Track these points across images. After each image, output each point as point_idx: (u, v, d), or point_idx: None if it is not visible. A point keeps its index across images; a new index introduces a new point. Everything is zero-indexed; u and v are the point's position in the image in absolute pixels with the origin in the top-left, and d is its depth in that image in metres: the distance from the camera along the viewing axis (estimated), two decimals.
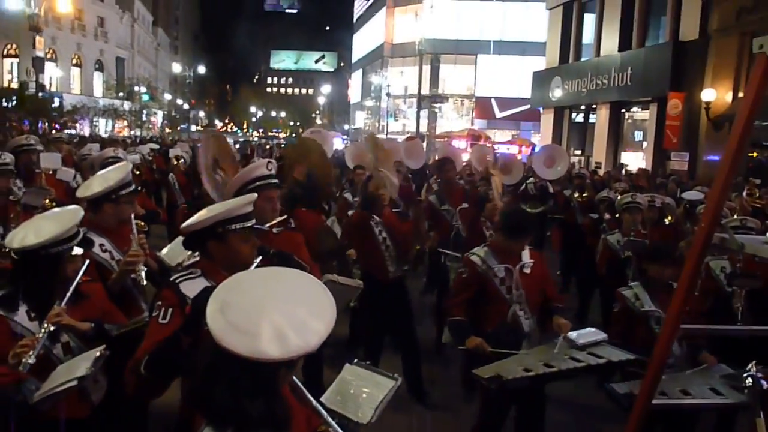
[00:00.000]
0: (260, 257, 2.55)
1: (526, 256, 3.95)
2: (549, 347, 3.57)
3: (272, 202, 3.39)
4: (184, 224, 2.49)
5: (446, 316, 3.99)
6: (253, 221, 2.53)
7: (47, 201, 5.61)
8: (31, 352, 2.44)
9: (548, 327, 3.88)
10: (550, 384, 5.21)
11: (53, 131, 27.10)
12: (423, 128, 39.09)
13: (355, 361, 2.37)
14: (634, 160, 20.93)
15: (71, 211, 2.79)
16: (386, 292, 5.04)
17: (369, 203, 4.99)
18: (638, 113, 22.16)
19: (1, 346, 2.50)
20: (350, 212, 6.07)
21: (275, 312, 1.56)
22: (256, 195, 2.70)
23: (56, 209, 2.95)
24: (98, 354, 2.40)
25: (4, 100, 30.66)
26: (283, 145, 24.71)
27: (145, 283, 3.15)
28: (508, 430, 3.96)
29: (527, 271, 3.91)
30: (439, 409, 5.06)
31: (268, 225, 3.15)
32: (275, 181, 3.45)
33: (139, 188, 7.60)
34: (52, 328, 2.55)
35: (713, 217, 2.31)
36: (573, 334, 3.53)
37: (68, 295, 2.64)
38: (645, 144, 20.89)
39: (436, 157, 11.67)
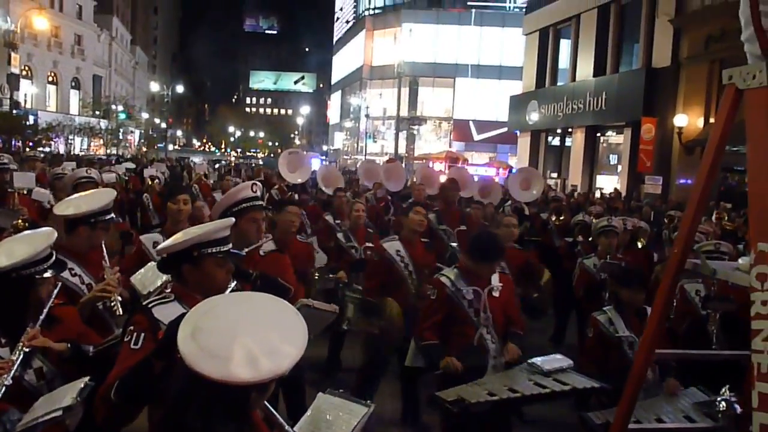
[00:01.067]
0: (234, 282, 2.52)
1: (495, 279, 3.94)
2: (515, 372, 3.57)
3: (257, 223, 3.37)
4: (160, 246, 2.46)
5: (418, 340, 3.95)
6: (230, 246, 2.50)
7: (19, 221, 5.51)
8: (7, 375, 2.38)
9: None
10: (526, 405, 5.24)
11: (27, 149, 26.71)
12: (402, 150, 39.34)
13: (328, 389, 2.35)
14: (609, 183, 21.26)
15: (44, 233, 2.74)
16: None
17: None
18: (613, 137, 22.58)
19: None
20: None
21: (247, 336, 1.57)
22: (233, 219, 2.68)
23: (28, 231, 2.89)
24: (83, 385, 2.33)
25: None
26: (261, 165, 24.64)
27: (120, 313, 3.07)
28: None
29: (496, 294, 3.89)
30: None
31: (246, 250, 3.12)
32: (260, 203, 3.44)
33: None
34: (27, 350, 2.49)
35: (686, 243, 2.35)
36: (539, 360, 3.53)
37: (42, 317, 2.58)
38: (620, 167, 21.26)
39: (415, 179, 11.79)
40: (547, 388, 3.31)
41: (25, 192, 6.38)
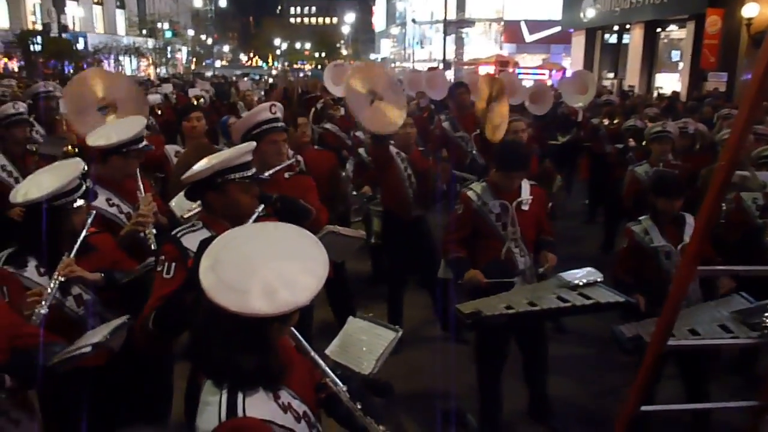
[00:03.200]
0: (262, 205, 2.52)
1: (525, 192, 3.84)
2: (542, 285, 3.54)
3: (277, 145, 3.32)
4: (185, 175, 2.46)
5: (444, 254, 3.93)
6: (253, 170, 2.48)
7: (69, 148, 5.65)
8: (43, 302, 2.49)
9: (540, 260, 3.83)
10: (570, 319, 5.23)
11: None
12: (450, 55, 38.05)
13: (358, 314, 2.37)
14: (670, 82, 20.14)
15: (71, 164, 2.80)
16: (408, 230, 5.02)
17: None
18: (674, 32, 21.11)
19: (17, 303, 2.55)
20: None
21: (265, 268, 1.57)
22: (254, 144, 2.64)
23: (57, 163, 2.95)
24: (120, 323, 2.43)
25: (29, 42, 30.61)
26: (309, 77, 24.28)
27: (155, 247, 3.12)
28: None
29: (525, 208, 3.80)
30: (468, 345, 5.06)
31: (268, 173, 3.09)
32: (280, 124, 3.37)
33: (158, 129, 7.66)
34: (62, 279, 2.59)
35: (735, 151, 2.17)
36: (568, 274, 3.46)
37: (76, 246, 2.67)
38: (681, 65, 20.01)
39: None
40: (569, 302, 3.26)
41: None
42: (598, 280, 3.41)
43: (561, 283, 3.41)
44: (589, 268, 3.51)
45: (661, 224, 3.77)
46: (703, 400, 3.66)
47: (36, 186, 2.62)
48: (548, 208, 4.77)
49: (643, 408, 2.56)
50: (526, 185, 3.87)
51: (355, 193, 5.78)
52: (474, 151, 6.36)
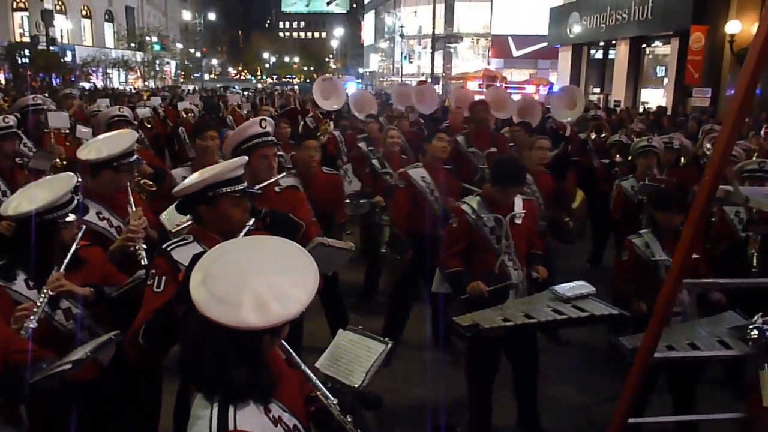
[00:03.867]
0: (253, 219, 2.53)
1: (518, 206, 3.89)
2: (535, 298, 3.56)
3: (267, 159, 3.34)
4: (176, 189, 2.47)
5: (442, 268, 3.96)
6: (244, 184, 2.49)
7: (57, 161, 5.62)
8: (32, 317, 2.47)
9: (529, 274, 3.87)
10: (565, 329, 5.25)
11: (66, 86, 27.02)
12: (438, 69, 38.29)
13: (348, 326, 2.38)
14: (655, 98, 20.41)
15: (64, 177, 2.79)
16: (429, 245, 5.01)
17: None
18: (659, 48, 21.43)
19: (5, 317, 2.53)
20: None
21: (256, 281, 1.59)
22: (246, 158, 2.66)
23: (49, 176, 2.95)
24: (106, 339, 2.42)
25: (17, 55, 30.49)
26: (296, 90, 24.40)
27: (145, 262, 3.11)
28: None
29: (518, 221, 3.85)
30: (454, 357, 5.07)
31: (258, 187, 3.10)
32: (270, 138, 3.39)
33: (147, 144, 7.65)
34: (51, 293, 2.58)
35: (718, 166, 2.21)
36: (560, 287, 3.50)
37: (66, 260, 2.66)
38: (666, 80, 20.29)
39: (450, 101, 11.48)
40: (564, 314, 3.30)
41: (63, 132, 6.45)
42: (591, 292, 3.46)
43: (554, 296, 3.46)
44: (580, 282, 3.55)
45: (662, 238, 3.83)
46: (691, 412, 3.69)
47: (27, 199, 2.61)
48: (543, 225, 4.81)
49: (631, 420, 2.59)
50: (518, 199, 3.92)
51: (362, 200, 5.81)
52: (484, 168, 6.41)
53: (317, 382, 1.89)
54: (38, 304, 2.52)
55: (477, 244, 3.83)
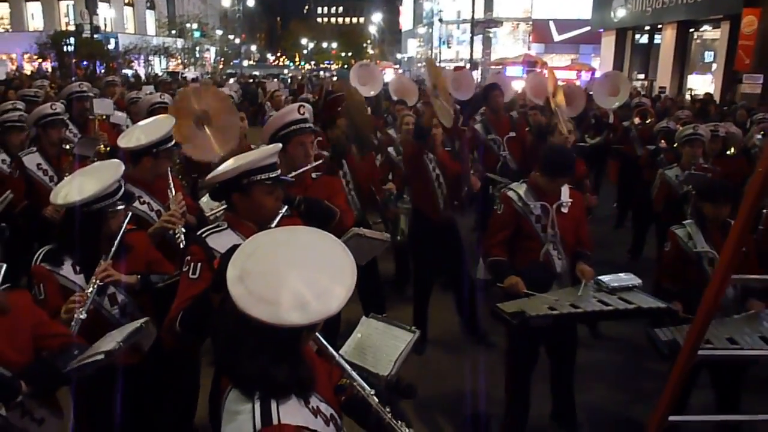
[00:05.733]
0: (286, 206, 2.52)
1: (565, 195, 3.81)
2: (580, 288, 3.51)
3: (305, 147, 3.32)
4: (209, 176, 2.48)
5: (485, 256, 3.92)
6: (278, 172, 2.47)
7: (101, 147, 5.74)
8: (82, 309, 2.52)
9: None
10: (602, 324, 5.16)
11: (110, 73, 27.61)
12: (477, 55, 37.79)
13: (371, 314, 2.35)
14: (702, 84, 19.78)
15: (112, 165, 2.81)
16: (437, 231, 5.02)
17: (420, 135, 4.86)
18: (708, 32, 20.74)
19: (51, 300, 2.60)
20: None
21: (295, 279, 1.56)
22: (280, 145, 2.64)
23: (97, 164, 2.98)
24: (135, 327, 2.44)
25: (63, 43, 31.22)
26: (335, 78, 24.35)
27: (183, 245, 3.15)
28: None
29: (564, 210, 3.78)
30: (494, 348, 4.98)
31: (292, 174, 3.08)
32: (308, 125, 3.38)
33: None
34: (100, 283, 2.62)
35: None
36: (606, 278, 3.46)
37: (113, 249, 2.70)
38: (714, 66, 19.62)
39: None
40: (611, 306, 3.25)
41: (104, 117, 6.59)
42: (636, 284, 3.40)
43: (599, 287, 3.42)
44: (627, 273, 3.50)
45: (706, 230, 3.73)
46: (735, 412, 3.58)
47: (77, 188, 2.63)
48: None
49: (671, 418, 2.51)
50: (566, 188, 3.85)
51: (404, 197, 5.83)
52: (506, 154, 6.34)
53: (353, 372, 1.88)
54: (88, 294, 2.56)
55: (523, 232, 3.79)
